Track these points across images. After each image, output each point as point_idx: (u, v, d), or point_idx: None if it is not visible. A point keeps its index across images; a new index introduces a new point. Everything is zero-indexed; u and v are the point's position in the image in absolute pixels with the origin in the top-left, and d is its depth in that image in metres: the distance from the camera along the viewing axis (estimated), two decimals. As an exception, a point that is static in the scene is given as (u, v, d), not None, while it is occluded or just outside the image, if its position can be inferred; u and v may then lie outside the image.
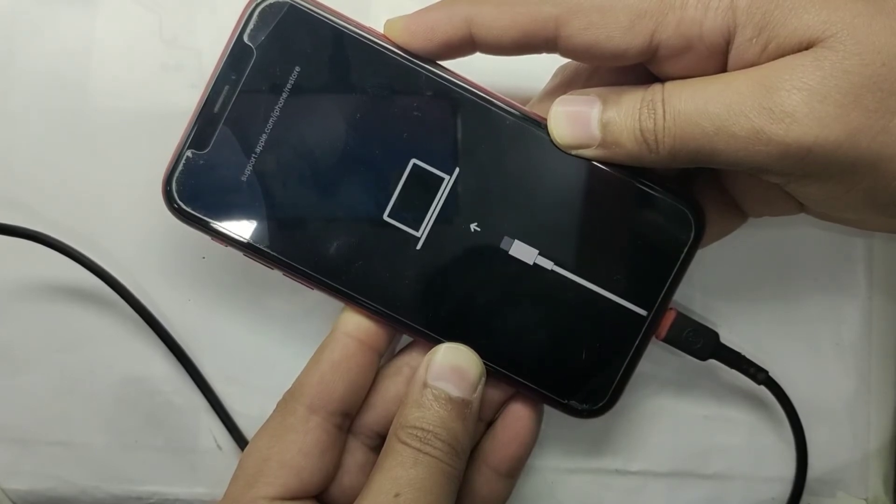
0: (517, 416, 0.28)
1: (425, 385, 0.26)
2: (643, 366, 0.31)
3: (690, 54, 0.23)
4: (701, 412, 0.31)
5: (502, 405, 0.28)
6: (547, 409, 0.30)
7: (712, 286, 0.31)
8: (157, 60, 0.31)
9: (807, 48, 0.22)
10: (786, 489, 0.31)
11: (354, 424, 0.28)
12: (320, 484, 0.26)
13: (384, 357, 0.29)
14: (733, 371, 0.31)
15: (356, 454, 0.28)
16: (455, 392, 0.25)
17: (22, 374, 0.31)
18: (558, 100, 0.25)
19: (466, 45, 0.25)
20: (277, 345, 0.31)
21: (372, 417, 0.28)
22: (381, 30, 0.26)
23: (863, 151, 0.21)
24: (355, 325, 0.27)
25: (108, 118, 0.31)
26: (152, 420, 0.31)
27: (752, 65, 0.22)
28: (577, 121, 0.25)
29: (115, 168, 0.31)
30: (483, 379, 0.26)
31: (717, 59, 0.23)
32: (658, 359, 0.31)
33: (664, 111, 0.23)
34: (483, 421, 0.28)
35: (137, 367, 0.31)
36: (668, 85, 0.23)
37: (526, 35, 0.24)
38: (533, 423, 0.28)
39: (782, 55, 0.22)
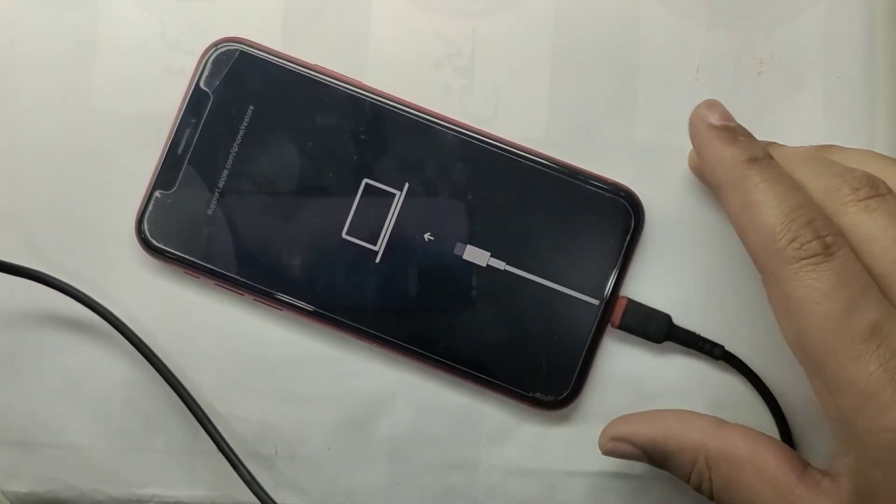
0: None
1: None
2: (644, 372, 0.31)
3: None
4: (701, 416, 0.31)
5: None
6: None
7: (711, 293, 0.31)
8: (159, 64, 0.31)
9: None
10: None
11: None
12: None
13: None
14: (733, 376, 0.31)
15: None
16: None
17: (22, 375, 0.31)
18: None
19: None
20: (278, 346, 0.31)
21: None
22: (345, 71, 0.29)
23: None
24: None
25: (111, 122, 0.31)
26: (152, 422, 0.31)
27: None
28: None
29: (117, 170, 0.31)
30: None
31: None
32: (658, 364, 0.31)
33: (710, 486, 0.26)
34: None
35: (138, 370, 0.31)
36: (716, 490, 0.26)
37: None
38: None
39: None
